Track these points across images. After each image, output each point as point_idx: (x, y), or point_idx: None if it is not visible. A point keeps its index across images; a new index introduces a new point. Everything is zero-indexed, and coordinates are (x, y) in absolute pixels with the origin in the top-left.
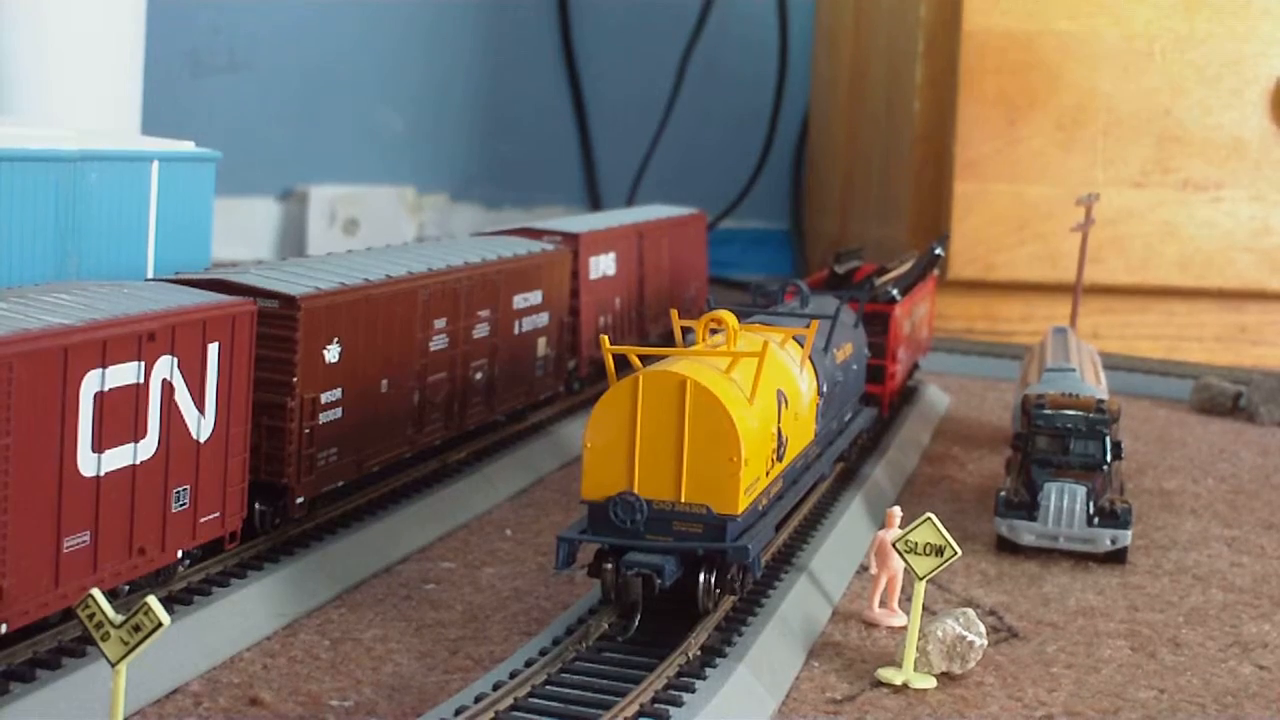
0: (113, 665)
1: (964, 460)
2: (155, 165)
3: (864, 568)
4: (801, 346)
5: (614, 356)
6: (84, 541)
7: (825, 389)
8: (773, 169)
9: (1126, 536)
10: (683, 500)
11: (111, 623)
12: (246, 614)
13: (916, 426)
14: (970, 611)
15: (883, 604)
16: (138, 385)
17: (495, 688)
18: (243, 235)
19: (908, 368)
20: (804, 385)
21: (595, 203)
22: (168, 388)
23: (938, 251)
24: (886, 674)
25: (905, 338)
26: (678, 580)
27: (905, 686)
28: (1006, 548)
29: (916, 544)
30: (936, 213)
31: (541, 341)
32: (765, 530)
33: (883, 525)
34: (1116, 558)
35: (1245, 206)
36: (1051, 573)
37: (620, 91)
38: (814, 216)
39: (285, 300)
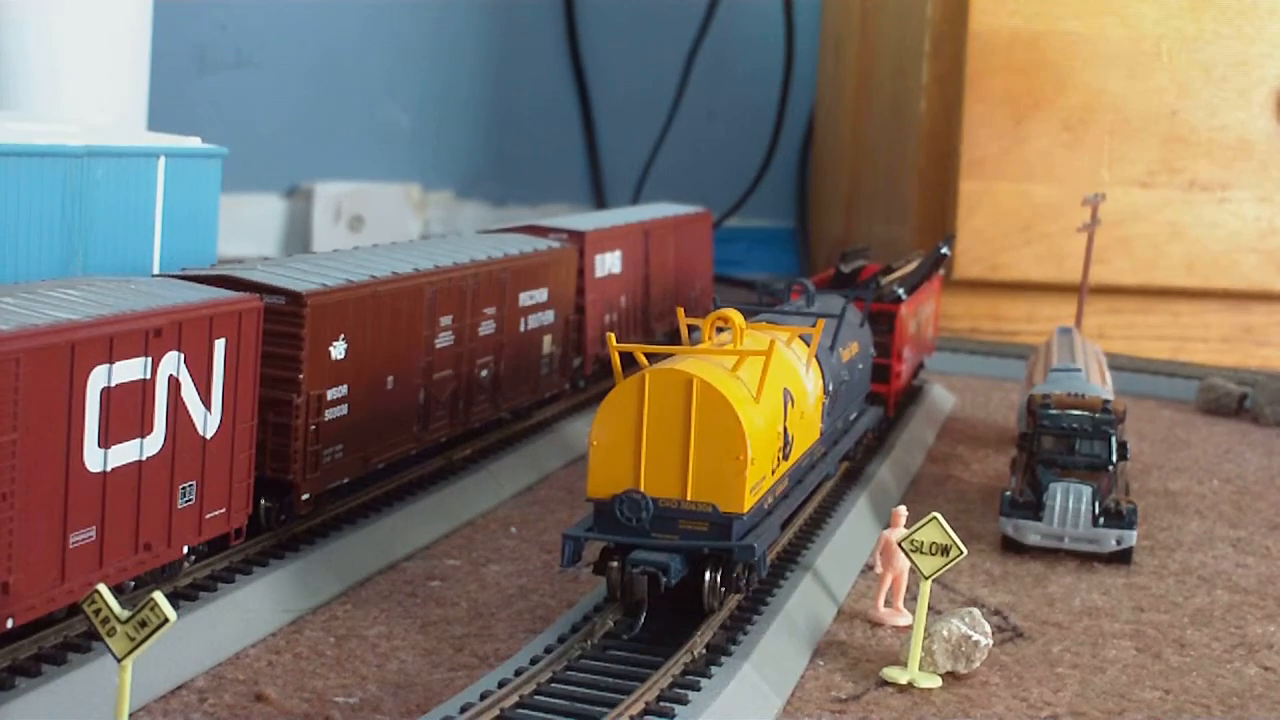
0: (118, 661)
1: (969, 460)
2: (162, 161)
3: (869, 567)
4: (808, 345)
5: (620, 354)
6: (90, 537)
7: (831, 388)
8: (778, 167)
9: (1132, 537)
10: (688, 498)
11: (117, 618)
12: (252, 610)
13: (922, 426)
14: (975, 611)
15: (888, 603)
16: (144, 381)
17: (500, 685)
18: (248, 231)
19: (913, 367)
20: (810, 384)
21: (600, 201)
22: (174, 384)
23: (944, 251)
24: (892, 673)
25: (911, 337)
26: (683, 578)
27: (910, 686)
28: (1012, 548)
29: (922, 543)
30: (942, 212)
31: (547, 339)
32: (771, 529)
33: (888, 524)
34: (1122, 558)
35: (1251, 207)
36: (1057, 573)
37: (626, 89)
38: (820, 215)
39: (291, 297)
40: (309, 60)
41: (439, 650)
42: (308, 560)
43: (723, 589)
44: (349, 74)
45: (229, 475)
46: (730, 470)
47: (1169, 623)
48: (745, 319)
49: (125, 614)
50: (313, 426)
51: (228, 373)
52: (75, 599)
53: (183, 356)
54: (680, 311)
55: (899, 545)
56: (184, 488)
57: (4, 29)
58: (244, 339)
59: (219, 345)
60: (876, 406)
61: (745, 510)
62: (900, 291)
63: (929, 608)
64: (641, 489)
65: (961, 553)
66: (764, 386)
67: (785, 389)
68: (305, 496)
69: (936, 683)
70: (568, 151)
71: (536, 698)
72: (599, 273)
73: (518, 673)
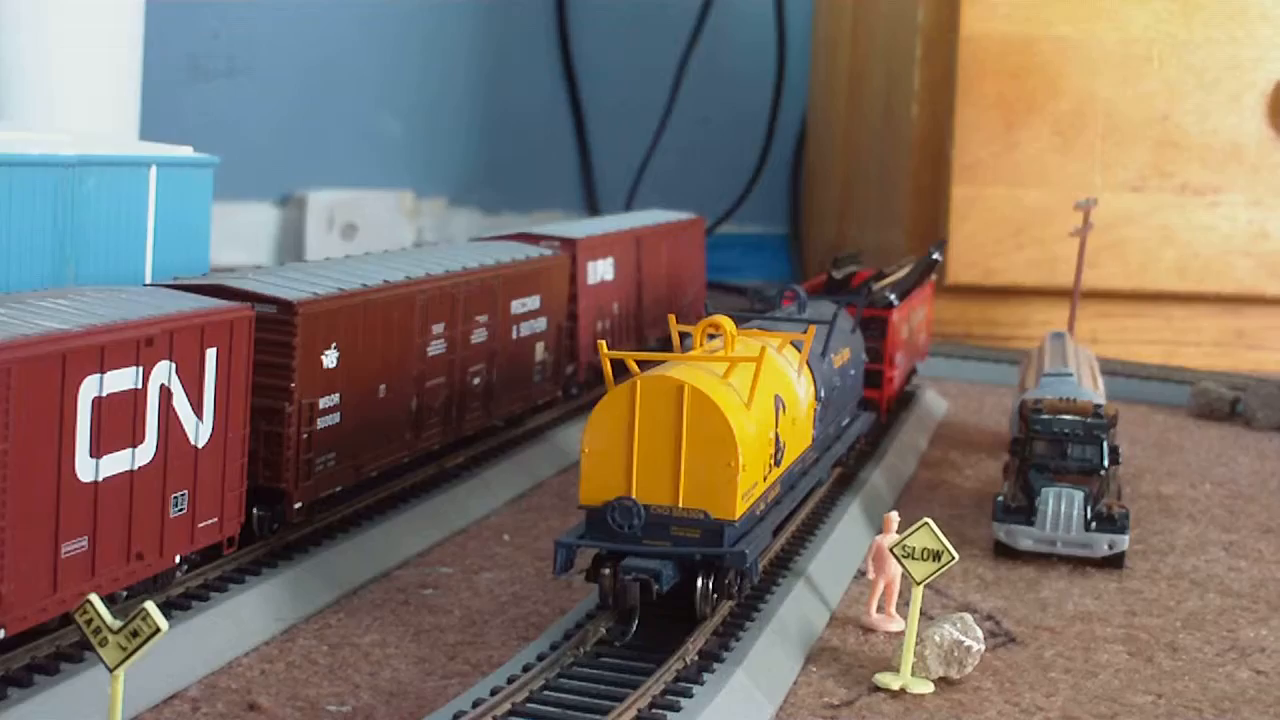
0: (111, 671)
1: (961, 465)
2: (153, 170)
3: (861, 573)
4: (799, 351)
5: (612, 361)
6: (82, 547)
7: (823, 394)
8: (771, 174)
9: (1124, 541)
10: (680, 505)
11: (109, 628)
12: (244, 619)
13: (914, 431)
14: (968, 616)
15: (880, 609)
16: (136, 390)
17: (493, 693)
18: (241, 240)
19: (905, 372)
20: (802, 390)
21: (593, 207)
22: (166, 393)
23: (935, 256)
24: (884, 679)
25: (903, 342)
26: (675, 585)
27: (903, 691)
28: (1004, 553)
29: (914, 549)
30: (934, 217)
31: (539, 346)
32: (763, 535)
33: (880, 530)
34: (1114, 562)
35: (1243, 211)
36: (1049, 577)
37: (618, 96)
38: (812, 221)
39: (283, 305)
40: (301, 68)
41: (432, 658)
42: (300, 569)
43: (715, 595)
44: (341, 82)
45: (221, 484)
46: (722, 477)
47: (1161, 627)
48: (737, 325)
49: (117, 624)
50: (305, 435)
51: (219, 382)
52: (67, 609)
53: (174, 366)
54: (672, 318)
55: (891, 551)
56: (176, 497)
57: None
58: (236, 348)
59: (211, 354)
60: (869, 412)
61: (737, 517)
62: (892, 297)
63: (921, 613)
64: (633, 496)
65: (953, 558)
66: (755, 393)
67: (777, 395)
68: (297, 505)
69: (929, 688)
70: (560, 159)
71: (529, 705)
72: (591, 280)
73: (510, 680)
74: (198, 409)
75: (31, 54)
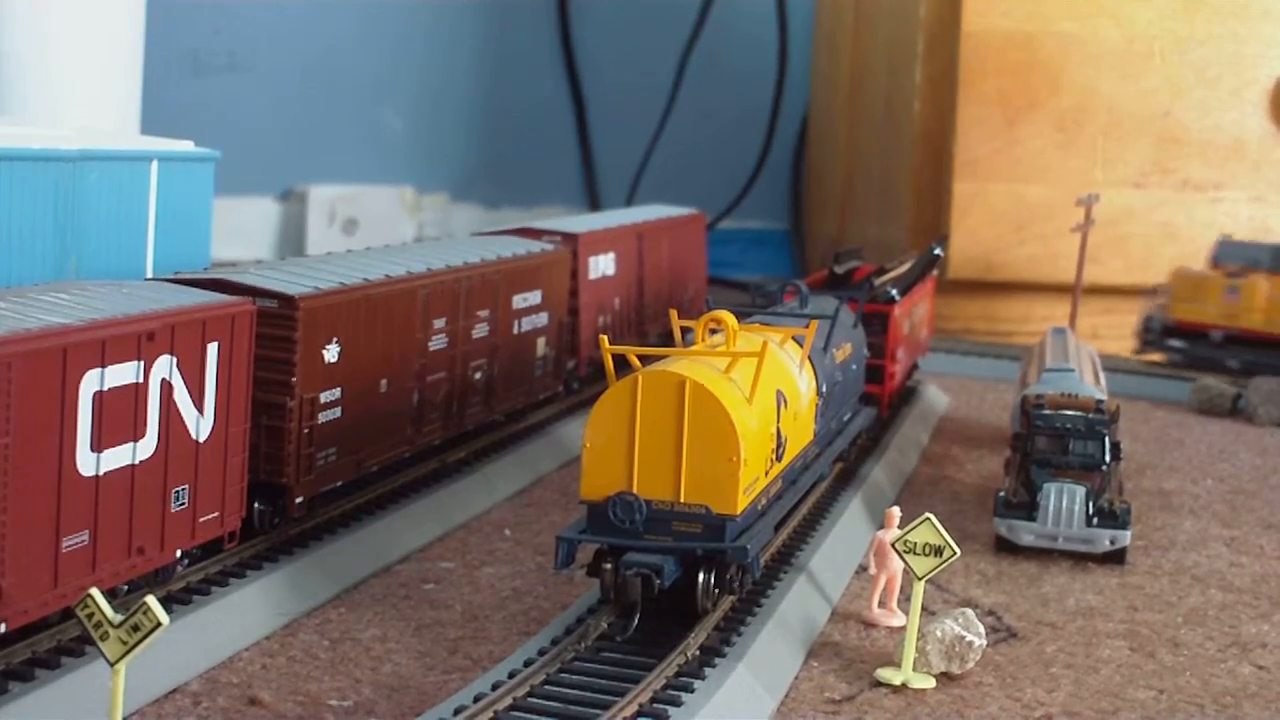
0: (112, 665)
1: (963, 460)
2: (154, 165)
3: (863, 568)
4: (801, 346)
5: (613, 356)
6: (83, 541)
7: (824, 389)
8: (772, 169)
9: (1125, 537)
10: (682, 500)
11: (110, 622)
12: (245, 614)
13: (916, 427)
14: (969, 612)
15: (882, 604)
16: (137, 385)
17: (494, 687)
18: (242, 235)
19: (907, 368)
20: (803, 385)
21: (594, 203)
22: (167, 387)
23: (937, 252)
24: (885, 674)
25: (904, 338)
26: (677, 580)
27: (904, 686)
28: (1005, 548)
29: (915, 544)
30: (936, 213)
31: (541, 341)
32: (764, 530)
33: (882, 525)
34: (1115, 558)
35: (1245, 207)
36: (1050, 573)
37: (620, 91)
38: (813, 217)
39: (284, 300)
40: (302, 63)
41: (433, 653)
42: (301, 563)
43: (716, 590)
44: (343, 77)
45: (222, 479)
46: (723, 472)
47: (1163, 622)
48: (738, 320)
49: (118, 618)
50: (306, 429)
51: (220, 376)
52: (68, 603)
53: (175, 360)
54: (673, 313)
55: (893, 546)
56: (177, 491)
57: None
58: (237, 342)
59: (212, 349)
60: (870, 407)
61: (738, 511)
62: (894, 292)
63: (923, 608)
64: (635, 491)
65: (955, 553)
66: (757, 388)
67: (778, 390)
68: (299, 499)
69: (930, 683)
70: (562, 154)
71: (530, 700)
72: (592, 275)
73: (512, 675)
74: (199, 403)
75: (32, 49)
